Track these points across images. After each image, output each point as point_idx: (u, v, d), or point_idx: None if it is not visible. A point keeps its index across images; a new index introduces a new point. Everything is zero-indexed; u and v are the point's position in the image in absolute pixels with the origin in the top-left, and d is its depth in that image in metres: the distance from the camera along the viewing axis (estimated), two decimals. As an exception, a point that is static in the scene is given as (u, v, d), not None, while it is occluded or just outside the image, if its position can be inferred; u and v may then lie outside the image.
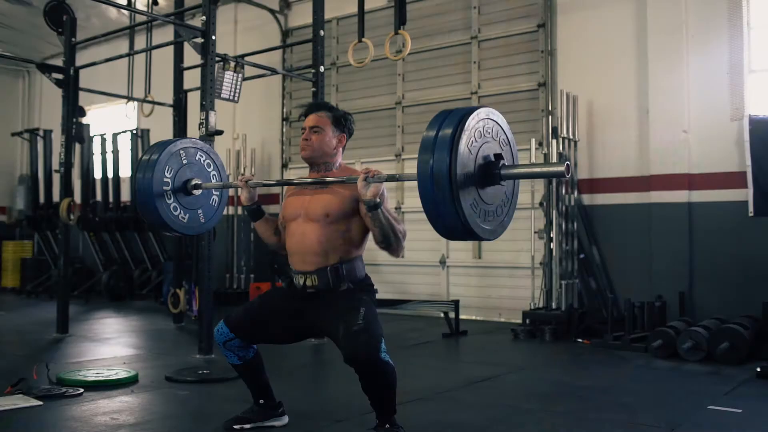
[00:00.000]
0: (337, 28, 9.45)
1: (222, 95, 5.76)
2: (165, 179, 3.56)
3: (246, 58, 7.46)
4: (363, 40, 6.15)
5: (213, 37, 5.51)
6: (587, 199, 7.39)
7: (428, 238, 8.47)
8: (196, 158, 3.84)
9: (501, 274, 7.97)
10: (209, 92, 5.48)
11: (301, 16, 9.71)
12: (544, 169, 2.76)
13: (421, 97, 8.69)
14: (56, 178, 11.92)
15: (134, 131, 10.09)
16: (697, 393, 4.35)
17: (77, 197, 10.02)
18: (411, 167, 8.74)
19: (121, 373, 4.57)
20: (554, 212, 7.06)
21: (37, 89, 13.40)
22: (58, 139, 11.49)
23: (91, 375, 4.51)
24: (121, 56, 6.71)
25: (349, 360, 2.88)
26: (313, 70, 6.68)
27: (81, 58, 6.89)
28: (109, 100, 10.04)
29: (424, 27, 8.69)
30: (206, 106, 5.45)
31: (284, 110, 9.98)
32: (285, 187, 3.37)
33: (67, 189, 6.64)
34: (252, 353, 3.33)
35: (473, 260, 8.18)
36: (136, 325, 7.53)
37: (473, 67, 8.27)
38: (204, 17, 5.53)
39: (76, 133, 6.61)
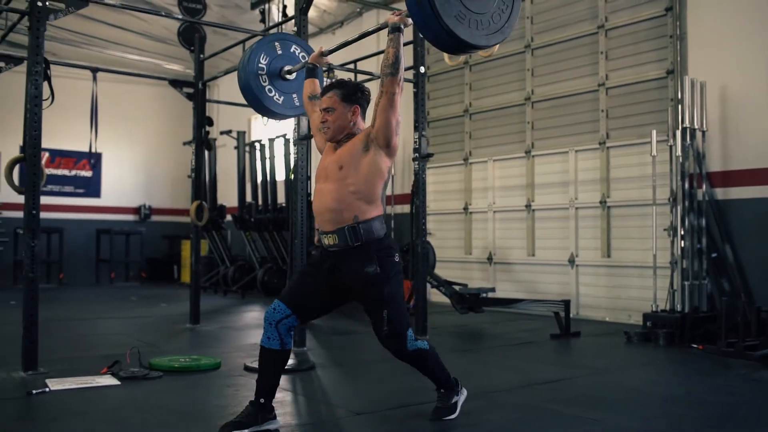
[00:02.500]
0: (469, 26, 9.41)
1: (316, 100, 6.02)
2: (260, 65, 4.34)
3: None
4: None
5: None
6: (720, 193, 6.82)
7: (557, 236, 8.28)
8: (291, 50, 4.57)
9: (630, 274, 7.56)
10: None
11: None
12: None
13: (549, 91, 8.46)
14: (221, 182, 13.01)
15: (285, 136, 10.72)
16: (778, 408, 3.93)
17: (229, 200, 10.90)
18: (541, 164, 8.56)
19: (204, 361, 4.98)
20: (678, 208, 6.60)
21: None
22: (221, 147, 12.56)
23: (180, 361, 4.96)
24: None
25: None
26: (414, 71, 6.74)
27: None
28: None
29: (551, 19, 8.47)
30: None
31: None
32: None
33: (197, 192, 7.26)
34: (290, 346, 3.47)
35: (602, 259, 7.83)
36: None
37: (600, 58, 7.91)
38: (296, 27, 5.84)
39: (204, 140, 7.20)
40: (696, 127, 6.67)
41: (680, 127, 6.59)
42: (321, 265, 3.43)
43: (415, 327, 6.49)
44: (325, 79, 6.16)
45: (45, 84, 4.83)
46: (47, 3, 4.62)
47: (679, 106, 6.75)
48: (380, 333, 3.31)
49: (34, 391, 4.06)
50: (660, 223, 6.83)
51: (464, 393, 3.61)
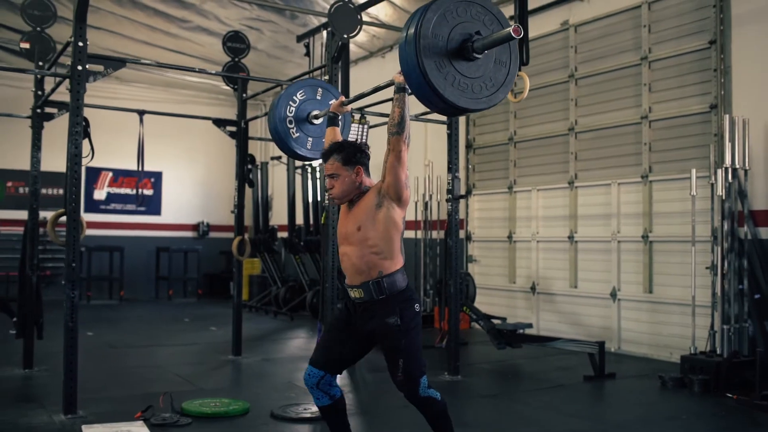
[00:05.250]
0: (514, 54, 9.39)
1: (348, 146, 6.15)
2: (294, 98, 4.54)
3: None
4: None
5: (335, 94, 5.92)
6: (765, 232, 6.64)
7: (599, 269, 8.21)
8: (329, 103, 4.62)
9: (672, 311, 7.43)
10: (332, 145, 5.89)
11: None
12: (498, 35, 3.06)
13: (593, 122, 8.38)
14: (277, 201, 13.29)
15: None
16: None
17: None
18: (584, 195, 8.48)
19: (233, 406, 5.16)
20: (718, 248, 6.46)
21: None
22: (270, 171, 12.80)
23: (211, 406, 5.15)
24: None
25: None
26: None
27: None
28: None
29: (594, 49, 8.38)
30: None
31: (468, 137, 10.14)
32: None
33: (239, 228, 7.48)
34: (339, 393, 3.66)
35: (644, 294, 7.72)
36: (309, 351, 8.05)
37: (644, 90, 7.79)
38: (327, 77, 5.98)
39: (246, 178, 7.41)
40: (738, 166, 6.52)
41: (722, 166, 6.45)
42: (346, 318, 3.61)
43: (447, 366, 6.55)
44: (358, 125, 6.30)
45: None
46: (87, 66, 4.87)
47: (723, 142, 6.62)
48: (395, 378, 3.46)
49: (67, 440, 4.32)
50: (700, 261, 6.71)
51: None
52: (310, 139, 4.65)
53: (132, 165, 13.54)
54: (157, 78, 13.86)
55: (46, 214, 12.03)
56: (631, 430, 4.85)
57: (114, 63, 5.05)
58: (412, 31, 3.02)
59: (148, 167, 13.56)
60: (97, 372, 6.36)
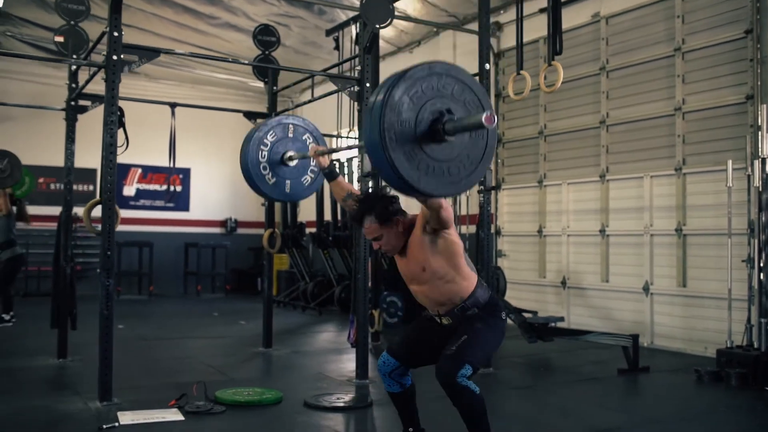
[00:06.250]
0: (544, 47, 9.33)
1: (379, 137, 6.12)
2: (265, 141, 4.40)
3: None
4: (521, 72, 6.21)
5: (367, 85, 5.91)
6: (803, 225, 6.51)
7: (631, 263, 8.12)
8: (303, 138, 4.47)
9: (707, 305, 7.31)
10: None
11: (513, 37, 9.73)
12: (469, 121, 2.70)
13: (625, 115, 8.29)
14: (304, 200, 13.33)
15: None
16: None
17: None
18: (616, 188, 8.40)
19: (267, 395, 5.16)
20: (755, 241, 6.35)
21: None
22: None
23: (245, 394, 5.16)
24: (305, 102, 7.45)
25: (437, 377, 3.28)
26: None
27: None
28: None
29: (627, 41, 8.29)
30: (362, 150, 5.88)
31: (497, 131, 10.04)
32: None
33: (269, 221, 7.50)
34: (410, 382, 3.69)
35: (677, 288, 7.61)
36: (339, 344, 8.06)
37: (677, 81, 7.69)
38: (360, 67, 5.96)
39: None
40: (774, 157, 6.40)
41: (759, 157, 6.34)
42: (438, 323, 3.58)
43: (479, 358, 6.49)
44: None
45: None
46: (122, 56, 4.91)
47: (759, 134, 6.50)
48: (444, 352, 3.27)
49: (104, 426, 4.34)
50: (736, 254, 6.60)
51: None
52: (287, 181, 4.49)
53: (161, 161, 13.66)
54: (185, 75, 13.94)
55: (77, 210, 12.28)
56: (669, 422, 4.77)
57: (148, 53, 5.09)
58: (376, 127, 2.62)
59: (176, 163, 13.71)
60: (129, 362, 6.40)
